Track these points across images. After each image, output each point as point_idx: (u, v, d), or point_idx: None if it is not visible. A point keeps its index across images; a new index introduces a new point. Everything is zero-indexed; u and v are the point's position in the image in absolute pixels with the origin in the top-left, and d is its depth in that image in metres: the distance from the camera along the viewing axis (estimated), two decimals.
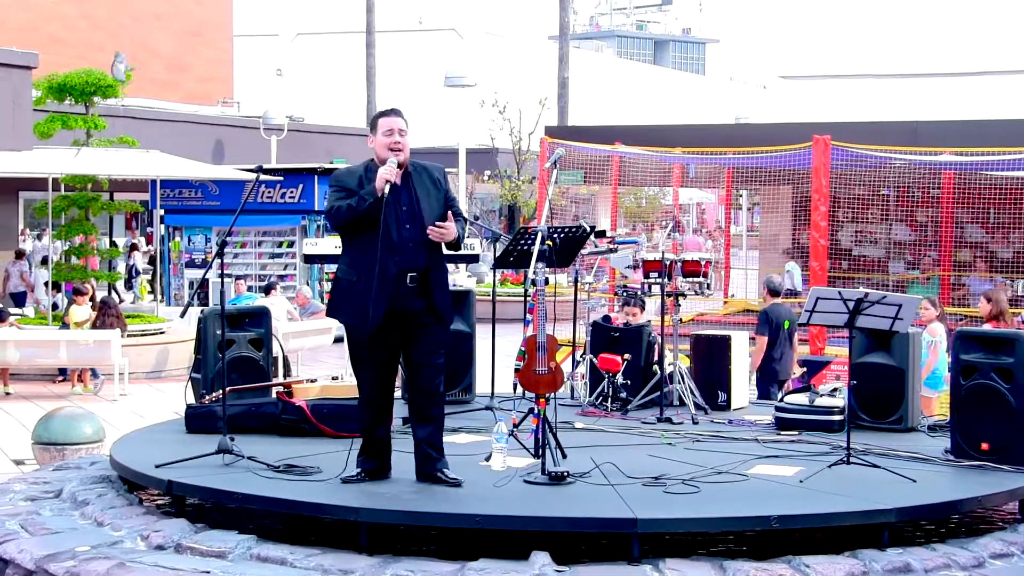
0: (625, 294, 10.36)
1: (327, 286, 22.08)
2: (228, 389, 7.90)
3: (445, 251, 6.84)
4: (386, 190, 6.51)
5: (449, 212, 6.73)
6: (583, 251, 9.43)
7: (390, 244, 6.57)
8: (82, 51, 29.41)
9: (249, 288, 19.07)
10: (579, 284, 10.11)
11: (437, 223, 6.62)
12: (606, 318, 10.57)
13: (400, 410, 7.38)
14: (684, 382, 9.44)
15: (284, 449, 7.63)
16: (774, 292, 11.26)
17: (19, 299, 22.37)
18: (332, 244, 14.22)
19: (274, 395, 8.80)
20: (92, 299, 16.93)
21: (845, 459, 7.32)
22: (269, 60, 47.85)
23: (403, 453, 7.04)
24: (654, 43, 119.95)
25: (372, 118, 6.87)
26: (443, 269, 6.84)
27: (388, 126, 6.69)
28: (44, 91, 18.94)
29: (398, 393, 7.09)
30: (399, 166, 6.64)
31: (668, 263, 9.49)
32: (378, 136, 6.70)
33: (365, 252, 6.58)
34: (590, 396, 9.74)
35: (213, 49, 36.32)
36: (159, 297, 20.77)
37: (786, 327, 11.05)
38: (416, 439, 6.87)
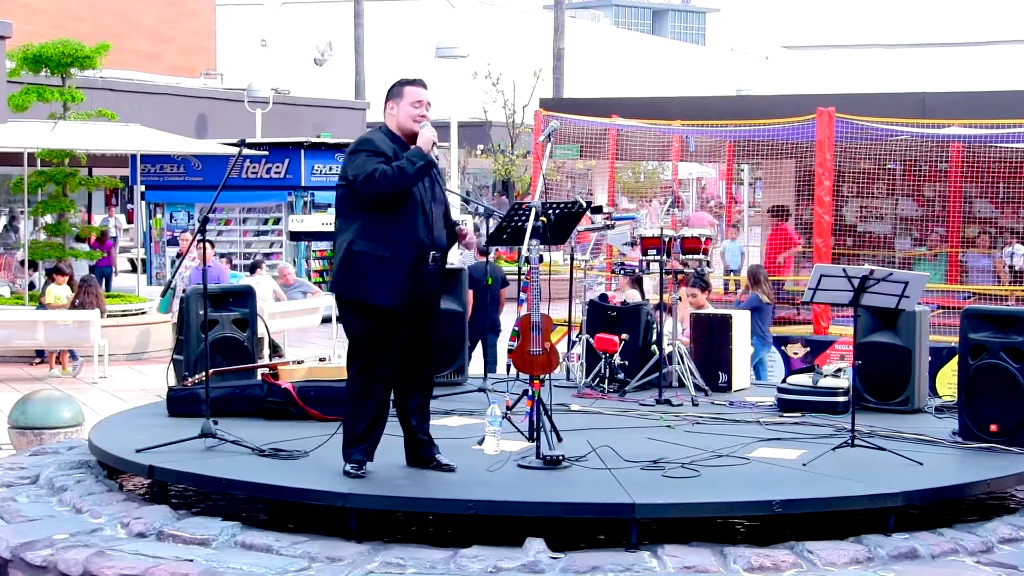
0: (693, 275, 10.36)
1: (315, 264, 22.04)
2: (212, 371, 7.89)
3: None
4: (435, 153, 6.45)
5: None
6: (579, 227, 9.40)
7: (426, 219, 6.52)
8: (59, 21, 29.28)
9: (233, 267, 19.03)
10: (575, 262, 10.09)
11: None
12: (603, 297, 10.56)
13: None
14: (684, 363, 9.44)
15: (270, 433, 7.63)
16: (482, 252, 12.59)
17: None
18: (319, 221, 14.17)
19: (259, 377, 8.78)
20: (71, 279, 16.89)
21: (850, 441, 7.32)
22: (254, 30, 47.64)
23: (390, 436, 7.03)
24: (652, 12, 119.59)
25: (394, 85, 6.68)
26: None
27: (417, 96, 6.56)
28: (19, 62, 18.83)
29: None
30: None
31: (667, 240, 9.47)
32: (403, 104, 6.56)
33: (401, 225, 6.45)
34: (586, 377, 9.74)
35: (196, 19, 36.17)
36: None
37: (488, 283, 11.41)
38: (409, 425, 6.85)
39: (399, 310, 6.46)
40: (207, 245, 13.89)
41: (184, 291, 13.98)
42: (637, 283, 11.75)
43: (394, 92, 6.65)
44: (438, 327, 6.81)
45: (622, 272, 11.75)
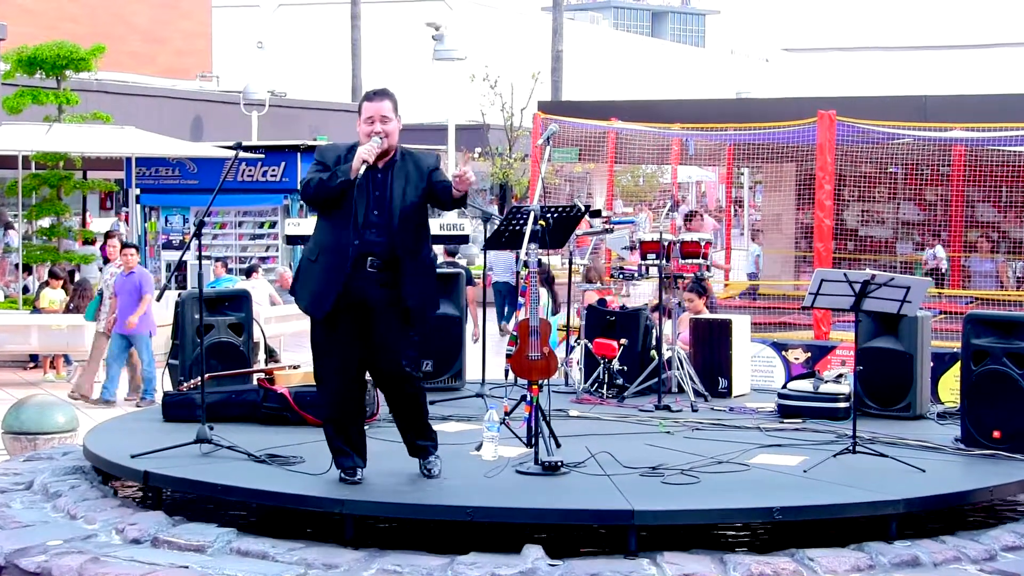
0: (693, 280, 10.29)
1: None
2: (207, 376, 7.88)
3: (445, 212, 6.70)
4: (360, 171, 6.44)
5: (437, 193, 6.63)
6: (577, 231, 9.40)
7: (354, 226, 6.49)
8: (54, 22, 29.27)
9: (229, 270, 19.04)
10: (573, 266, 10.10)
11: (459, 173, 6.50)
12: (602, 301, 10.56)
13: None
14: (683, 368, 9.43)
15: (266, 438, 7.62)
16: (451, 253, 12.11)
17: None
18: (315, 225, 14.15)
19: (255, 382, 8.78)
20: (65, 283, 16.88)
21: (851, 448, 7.32)
22: (250, 32, 47.60)
23: (389, 442, 7.03)
24: (652, 14, 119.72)
25: (360, 99, 6.77)
26: (419, 261, 6.62)
27: (368, 112, 6.56)
28: (13, 64, 18.85)
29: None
30: (385, 151, 6.54)
31: (666, 244, 9.47)
32: (360, 121, 6.61)
33: (329, 232, 6.57)
34: (585, 383, 9.73)
35: (191, 21, 36.15)
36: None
37: None
38: (400, 429, 6.85)
39: (317, 315, 6.55)
40: (130, 250, 13.60)
41: (102, 296, 13.67)
42: (547, 283, 11.75)
43: (359, 107, 6.70)
44: (397, 326, 6.59)
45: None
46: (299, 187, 6.72)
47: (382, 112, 6.55)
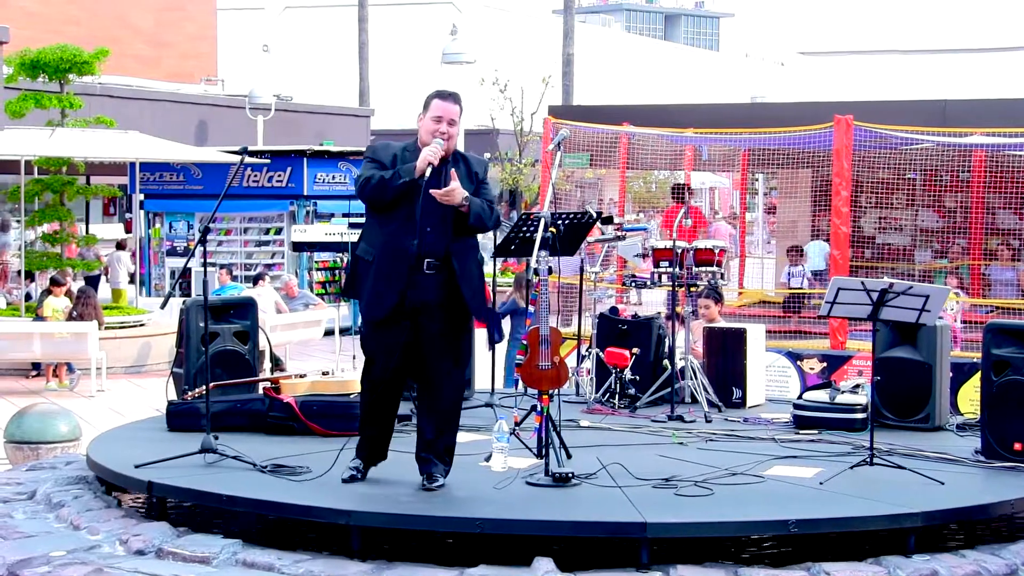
0: (706, 286, 10.24)
1: (316, 275, 22.11)
2: (212, 385, 7.91)
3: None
4: (427, 173, 6.54)
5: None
6: (589, 238, 9.42)
7: (412, 226, 6.60)
8: (56, 25, 29.38)
9: (234, 278, 19.07)
10: (584, 273, 10.11)
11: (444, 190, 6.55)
12: (613, 310, 10.56)
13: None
14: (696, 378, 9.44)
15: (271, 448, 7.64)
16: None
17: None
18: (322, 231, 14.17)
19: (261, 391, 8.80)
20: (68, 290, 16.93)
21: (868, 460, 7.32)
22: (255, 35, 47.77)
23: (397, 452, 7.04)
24: (665, 17, 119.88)
25: (427, 96, 6.83)
26: (470, 260, 6.78)
27: (439, 111, 6.68)
28: (16, 68, 18.89)
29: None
30: (443, 154, 6.64)
31: (680, 251, 9.47)
32: (426, 118, 6.71)
33: (387, 233, 6.65)
34: (596, 393, 9.74)
35: (195, 24, 36.25)
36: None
37: None
38: (419, 438, 6.89)
39: (376, 316, 6.70)
40: None
41: None
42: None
43: (424, 103, 6.79)
44: (451, 338, 6.76)
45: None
46: (355, 186, 6.82)
47: (452, 115, 6.69)
